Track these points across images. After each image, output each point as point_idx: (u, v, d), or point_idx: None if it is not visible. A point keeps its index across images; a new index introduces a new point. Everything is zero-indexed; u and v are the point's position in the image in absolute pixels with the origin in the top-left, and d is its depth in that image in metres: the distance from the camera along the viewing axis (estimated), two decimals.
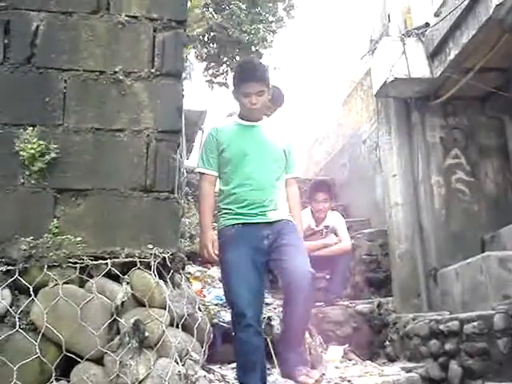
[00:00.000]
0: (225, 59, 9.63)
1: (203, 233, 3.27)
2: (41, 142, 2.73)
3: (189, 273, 5.40)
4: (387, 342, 7.39)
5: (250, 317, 3.00)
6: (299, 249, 3.30)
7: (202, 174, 3.30)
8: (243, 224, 3.22)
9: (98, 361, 2.50)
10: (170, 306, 2.54)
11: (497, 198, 7.70)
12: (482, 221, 7.49)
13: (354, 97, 9.83)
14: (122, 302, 2.53)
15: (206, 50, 9.88)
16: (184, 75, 3.19)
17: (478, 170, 7.73)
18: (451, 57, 6.77)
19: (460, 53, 6.59)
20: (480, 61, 6.58)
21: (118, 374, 2.42)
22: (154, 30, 2.98)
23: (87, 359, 2.49)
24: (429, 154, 7.74)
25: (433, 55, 7.19)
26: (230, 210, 3.24)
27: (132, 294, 2.58)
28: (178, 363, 2.45)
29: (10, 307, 2.53)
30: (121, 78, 2.87)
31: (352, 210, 10.11)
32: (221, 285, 5.95)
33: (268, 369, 3.54)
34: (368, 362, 5.62)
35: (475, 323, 5.58)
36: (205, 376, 3.85)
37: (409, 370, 5.19)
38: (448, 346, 5.99)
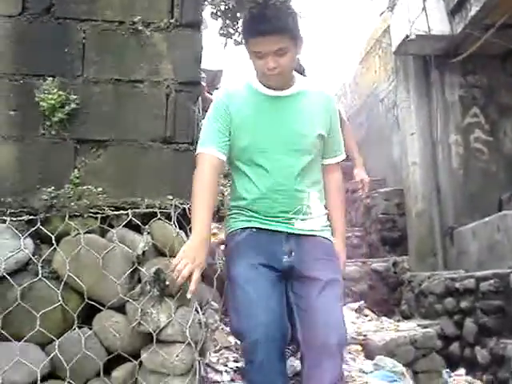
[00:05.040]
0: (242, 16, 9.48)
1: (193, 232, 2.31)
2: (61, 93, 2.71)
3: None
4: (402, 300, 7.47)
5: (267, 348, 2.16)
6: (334, 289, 2.33)
7: (201, 155, 2.44)
8: (258, 229, 2.40)
9: (120, 309, 2.53)
10: None
11: None
12: (500, 180, 7.49)
13: (372, 55, 9.72)
14: (143, 252, 2.54)
15: (222, 7, 9.74)
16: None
17: (496, 129, 7.69)
18: (472, 13, 6.68)
19: (481, 9, 6.50)
20: (501, 17, 6.49)
21: (139, 322, 2.45)
22: None
23: (109, 307, 2.52)
24: (447, 112, 7.70)
25: (453, 12, 7.09)
26: (243, 209, 2.46)
27: (153, 244, 2.59)
28: (198, 312, 2.47)
29: (33, 256, 2.55)
30: (140, 28, 2.84)
31: (368, 170, 10.08)
32: None
33: None
34: (384, 318, 5.68)
35: (491, 281, 5.61)
36: (222, 328, 3.91)
37: (424, 327, 5.24)
38: (463, 304, 6.05)
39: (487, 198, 7.28)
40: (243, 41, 2.39)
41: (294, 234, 2.39)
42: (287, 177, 2.39)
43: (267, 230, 2.39)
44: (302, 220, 2.41)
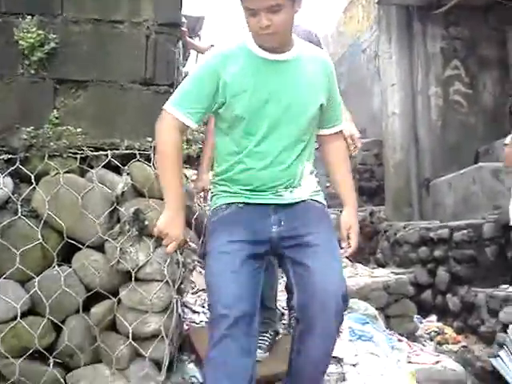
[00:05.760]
0: None
1: (168, 204, 2.13)
2: (40, 32, 2.69)
3: (185, 176, 5.42)
4: (378, 249, 7.61)
5: (233, 321, 1.95)
6: (331, 252, 2.16)
7: (170, 116, 2.12)
8: (244, 204, 2.19)
9: (99, 248, 2.57)
10: None
11: (494, 110, 7.75)
12: (478, 133, 7.58)
13: (356, 4, 9.66)
14: (122, 192, 2.57)
15: None
16: None
17: (476, 82, 7.74)
18: None
19: None
20: None
21: (118, 260, 2.50)
22: None
23: (88, 246, 2.56)
24: (428, 64, 7.72)
25: None
26: (229, 183, 2.21)
27: (132, 185, 2.61)
28: (176, 252, 2.51)
29: (12, 194, 2.57)
30: None
31: None
32: None
33: None
34: (358, 264, 5.78)
35: (465, 231, 5.75)
36: (200, 272, 3.99)
37: (397, 275, 5.36)
38: (437, 253, 6.19)
39: (465, 151, 7.37)
40: None
41: (282, 204, 2.18)
42: (284, 150, 2.16)
43: (254, 204, 2.17)
44: (291, 192, 2.19)
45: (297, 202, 2.19)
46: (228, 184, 2.20)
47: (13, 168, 2.59)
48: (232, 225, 2.14)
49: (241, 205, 2.16)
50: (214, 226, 2.20)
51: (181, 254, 2.56)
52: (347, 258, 6.06)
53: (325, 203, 2.30)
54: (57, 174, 2.58)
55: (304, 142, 2.20)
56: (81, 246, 2.56)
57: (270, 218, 2.15)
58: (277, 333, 3.19)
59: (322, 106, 2.22)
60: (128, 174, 2.62)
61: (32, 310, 2.54)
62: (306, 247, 2.13)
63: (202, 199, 3.48)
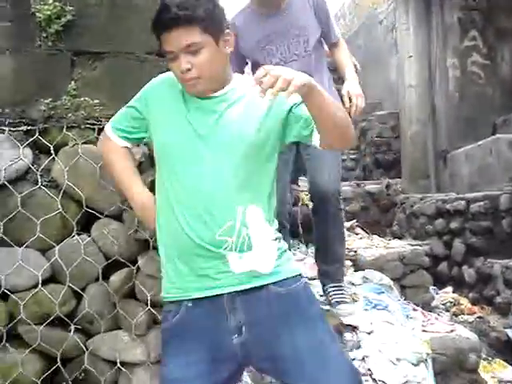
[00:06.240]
0: None
1: (135, 197, 2.13)
2: (56, 4, 2.71)
3: None
4: (394, 222, 7.61)
5: None
6: (315, 357, 1.75)
7: (104, 132, 2.17)
8: (193, 301, 1.81)
9: (118, 217, 2.62)
10: None
11: (511, 81, 7.65)
12: (495, 105, 7.51)
13: None
14: (140, 163, 2.60)
15: None
16: None
17: (494, 53, 7.65)
18: None
19: None
20: None
21: (136, 230, 2.55)
22: None
23: (107, 215, 2.61)
24: (446, 35, 7.63)
25: None
26: (166, 257, 1.90)
27: (149, 155, 2.65)
28: None
29: (32, 165, 2.61)
30: None
31: (365, 93, 10.04)
32: None
33: None
34: (374, 236, 5.80)
35: (481, 203, 5.74)
36: None
37: (413, 246, 5.37)
38: (453, 225, 6.20)
39: (482, 122, 7.31)
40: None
41: (237, 292, 1.78)
42: (214, 188, 1.81)
43: (204, 298, 1.79)
44: (239, 253, 1.79)
45: (255, 289, 1.80)
46: (163, 247, 1.92)
47: (32, 139, 2.64)
48: (184, 337, 1.81)
49: (190, 304, 1.81)
50: (165, 339, 1.89)
51: None
52: (364, 230, 6.10)
53: (299, 271, 1.91)
54: (75, 144, 2.62)
55: (238, 181, 1.83)
56: (99, 216, 2.61)
57: (228, 321, 1.78)
58: None
59: (270, 136, 1.88)
60: (145, 144, 2.65)
61: (53, 278, 2.60)
62: (282, 364, 1.78)
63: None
